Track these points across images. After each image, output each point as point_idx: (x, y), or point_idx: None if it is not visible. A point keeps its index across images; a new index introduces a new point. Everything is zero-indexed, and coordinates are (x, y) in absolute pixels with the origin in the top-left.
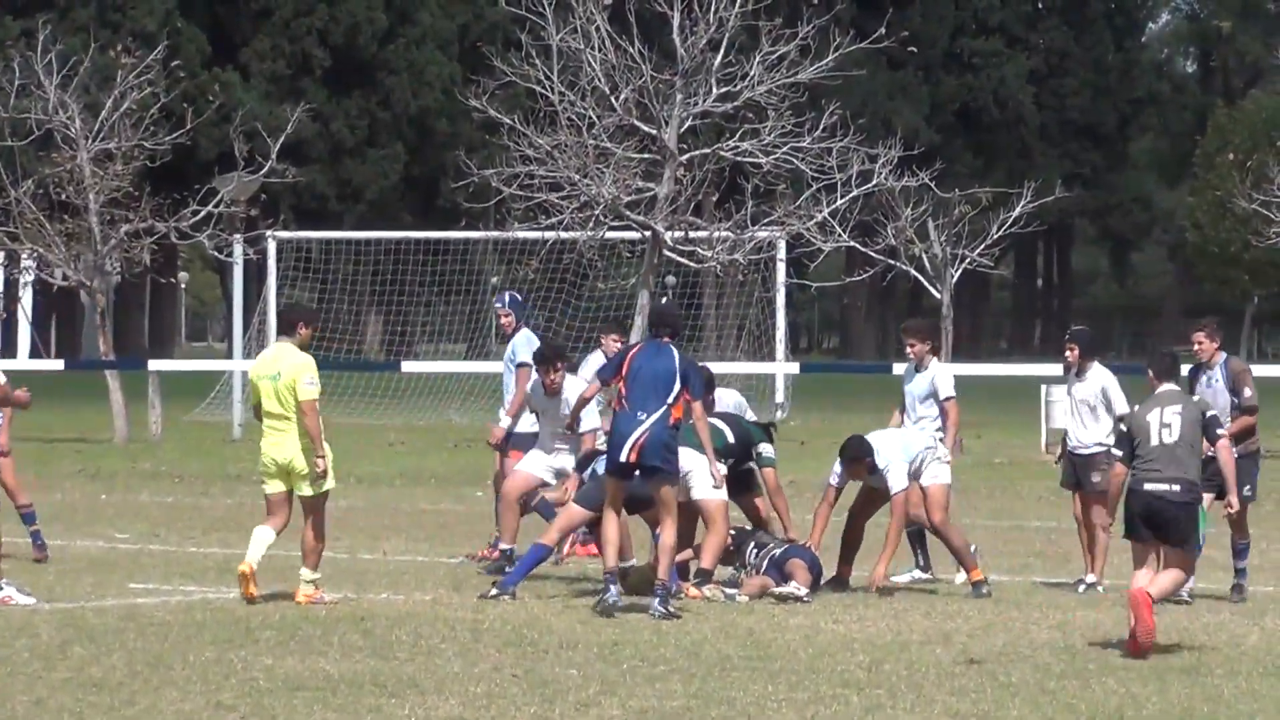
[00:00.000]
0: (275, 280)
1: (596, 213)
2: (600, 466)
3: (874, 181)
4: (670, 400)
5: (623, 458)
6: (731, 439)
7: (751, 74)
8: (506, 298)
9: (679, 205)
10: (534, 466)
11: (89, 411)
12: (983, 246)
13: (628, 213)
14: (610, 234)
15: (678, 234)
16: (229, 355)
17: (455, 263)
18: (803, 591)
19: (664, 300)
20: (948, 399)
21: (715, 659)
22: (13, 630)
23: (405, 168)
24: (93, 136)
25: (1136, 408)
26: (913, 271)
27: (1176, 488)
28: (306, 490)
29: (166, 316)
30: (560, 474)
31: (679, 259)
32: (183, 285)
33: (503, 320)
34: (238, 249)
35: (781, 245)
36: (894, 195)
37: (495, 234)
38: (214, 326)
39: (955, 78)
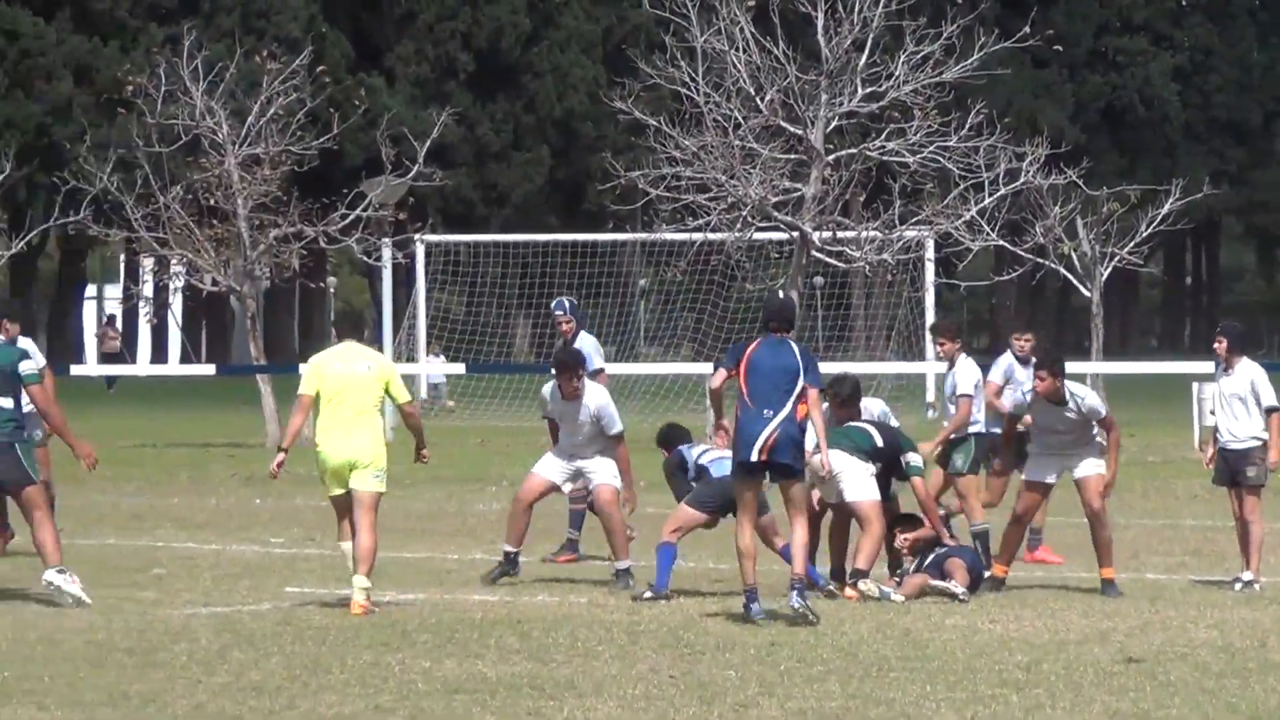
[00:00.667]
0: (423, 284)
1: (744, 213)
2: (716, 469)
3: (1021, 180)
4: (795, 396)
5: (753, 457)
6: (880, 443)
7: (896, 74)
8: (566, 304)
9: (826, 205)
10: (549, 471)
11: (241, 416)
12: (1131, 244)
13: (775, 213)
14: (758, 235)
15: (825, 234)
16: None
17: (602, 265)
18: (960, 590)
19: (780, 296)
20: (963, 395)
21: (873, 659)
22: (172, 635)
23: (551, 171)
24: (240, 142)
25: None
26: (1062, 270)
27: None
28: (374, 486)
29: (316, 321)
30: (576, 476)
31: (827, 259)
32: (331, 289)
33: (563, 326)
34: (386, 253)
35: (930, 245)
36: (1041, 194)
37: (642, 236)
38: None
39: (1100, 76)
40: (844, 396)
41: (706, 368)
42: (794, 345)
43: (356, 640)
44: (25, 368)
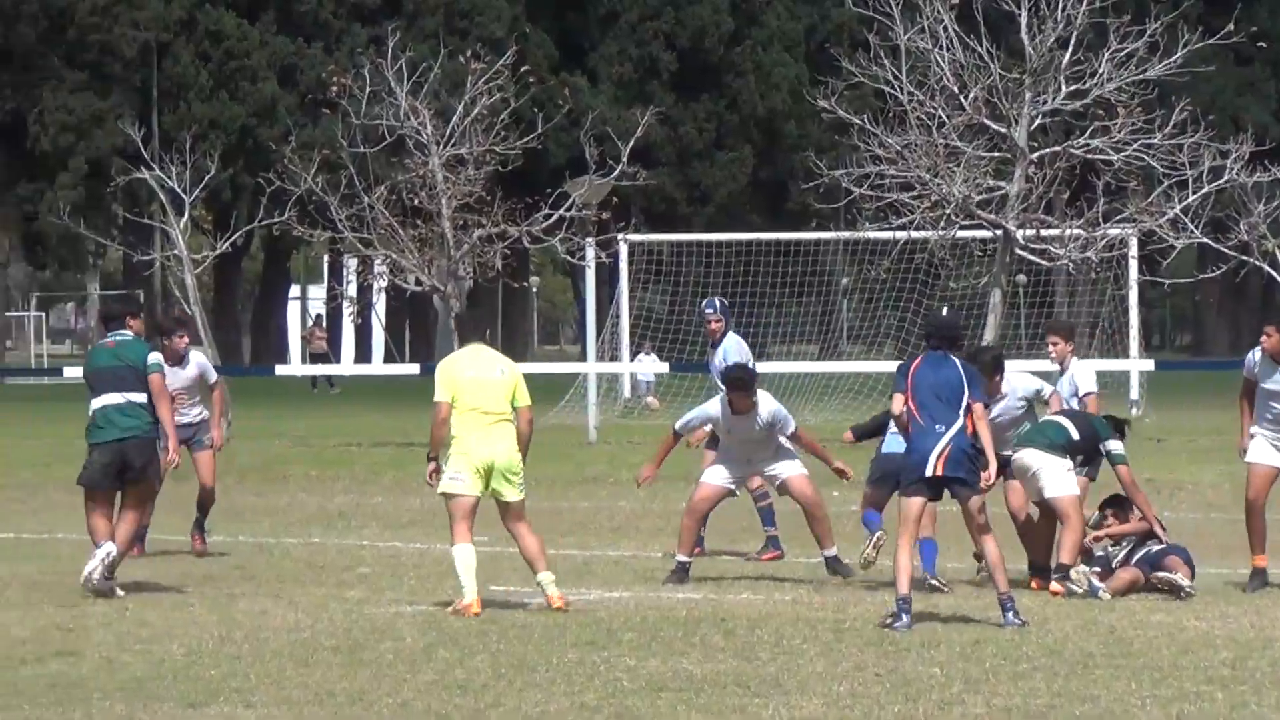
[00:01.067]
0: (626, 283)
1: (947, 212)
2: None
3: (1224, 178)
4: (963, 411)
5: (929, 472)
6: (1076, 436)
7: (1100, 71)
8: (716, 303)
9: (1030, 203)
10: (720, 478)
11: None
12: None
13: (979, 211)
14: (961, 233)
15: (1029, 232)
16: (582, 358)
17: (805, 264)
18: (1187, 583)
19: (944, 311)
20: (1087, 394)
21: (1078, 656)
22: (378, 633)
23: (754, 170)
24: (444, 142)
25: None
26: (1266, 267)
27: None
28: (518, 494)
29: (519, 320)
30: (748, 479)
31: (1031, 257)
32: (534, 289)
33: (712, 325)
34: (589, 252)
35: (1133, 242)
36: (1245, 191)
37: (846, 234)
38: (566, 330)
39: None
40: (985, 364)
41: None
42: (957, 360)
43: (561, 638)
44: (153, 359)
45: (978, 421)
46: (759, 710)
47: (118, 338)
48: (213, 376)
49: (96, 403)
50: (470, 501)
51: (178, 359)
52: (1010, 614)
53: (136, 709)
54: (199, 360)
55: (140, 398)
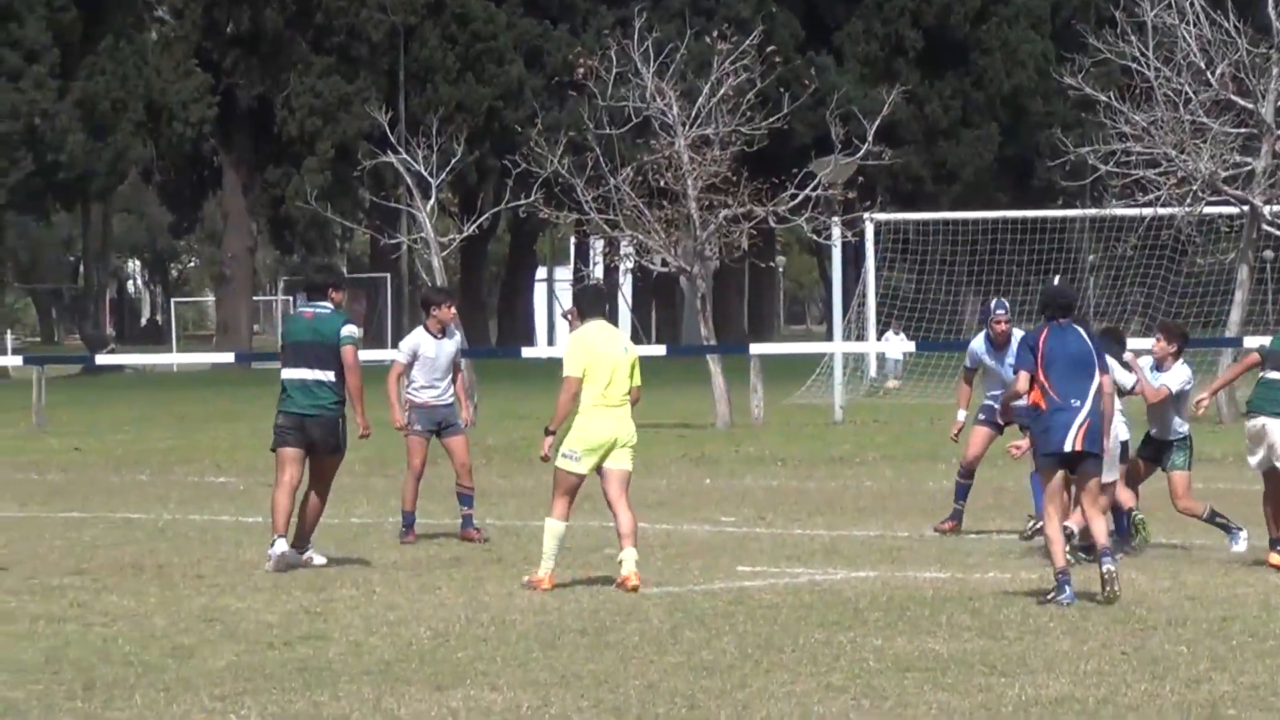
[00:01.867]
0: (873, 262)
1: (1194, 188)
2: None
3: None
4: (1096, 383)
5: (1069, 448)
6: None
7: None
8: (1006, 304)
9: (1277, 179)
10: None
11: (691, 396)
12: None
13: (1225, 188)
14: (1207, 209)
15: (1276, 208)
16: (829, 337)
17: (1051, 241)
18: None
19: (1056, 280)
20: (1162, 385)
21: None
22: (623, 615)
23: (1000, 147)
24: (690, 123)
25: None
26: None
27: None
28: (630, 464)
29: (765, 300)
30: None
31: (1278, 233)
32: (781, 269)
33: (1002, 326)
34: (836, 232)
35: None
36: None
37: (1092, 211)
38: (812, 309)
39: None
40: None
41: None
42: (1081, 330)
43: (808, 619)
44: (346, 331)
45: (1105, 395)
46: (1005, 689)
47: (317, 309)
48: (459, 359)
49: (286, 374)
50: (578, 481)
51: (442, 330)
52: (1066, 591)
53: (383, 692)
54: (458, 338)
55: (329, 375)
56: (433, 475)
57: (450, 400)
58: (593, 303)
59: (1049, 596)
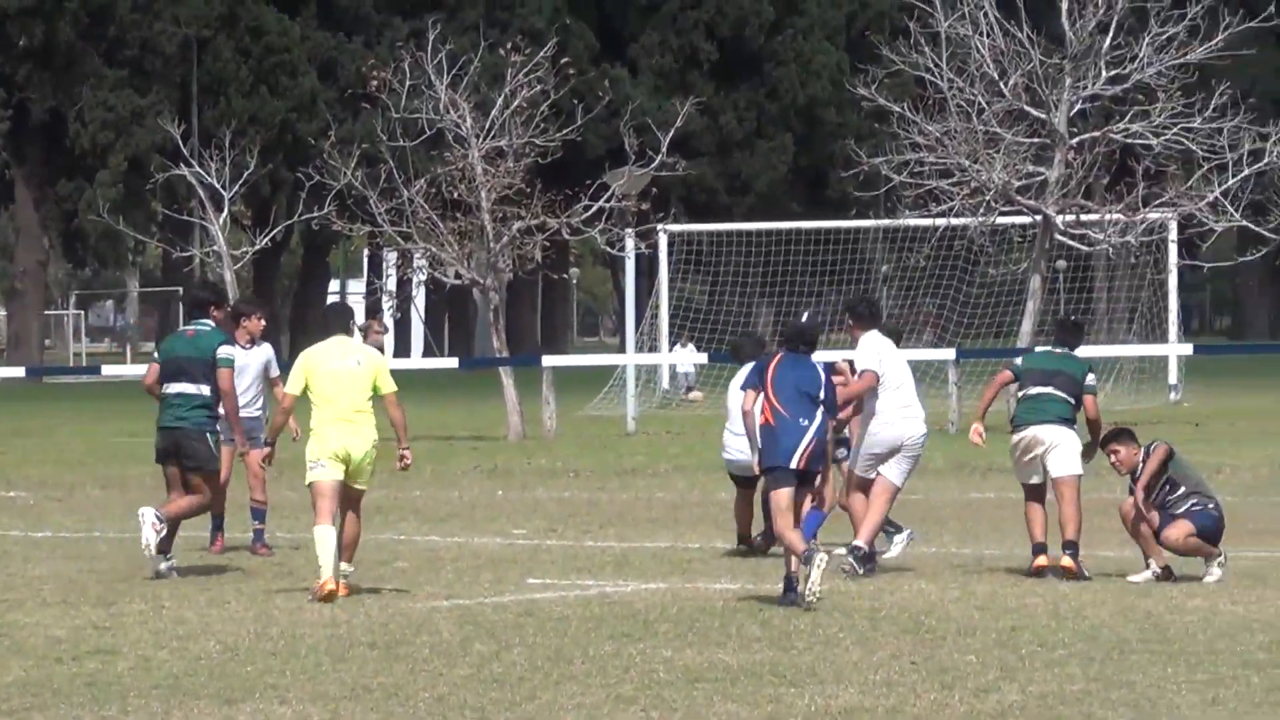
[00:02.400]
0: (666, 274)
1: (987, 198)
2: None
3: (1265, 160)
4: (821, 410)
5: (793, 464)
6: (1070, 397)
7: (1141, 56)
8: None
9: (1070, 189)
10: None
11: (484, 408)
12: None
13: (1018, 197)
14: (1001, 219)
15: (1069, 218)
16: (621, 350)
17: (844, 251)
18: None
19: (804, 317)
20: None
21: (1113, 642)
22: (413, 627)
23: (794, 158)
24: (483, 135)
25: None
26: None
27: None
28: (364, 484)
29: (559, 312)
30: None
31: (1070, 243)
32: (574, 281)
33: None
34: (629, 243)
35: (1173, 226)
36: None
37: (885, 222)
38: (605, 321)
39: None
40: (860, 315)
41: (949, 353)
42: (815, 364)
43: (598, 631)
44: (222, 352)
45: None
46: (794, 700)
47: (198, 327)
48: (275, 370)
49: (166, 388)
50: (329, 486)
51: (251, 341)
52: (794, 593)
53: (172, 707)
54: (268, 349)
55: (202, 390)
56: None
57: (258, 413)
58: (335, 317)
59: (784, 600)
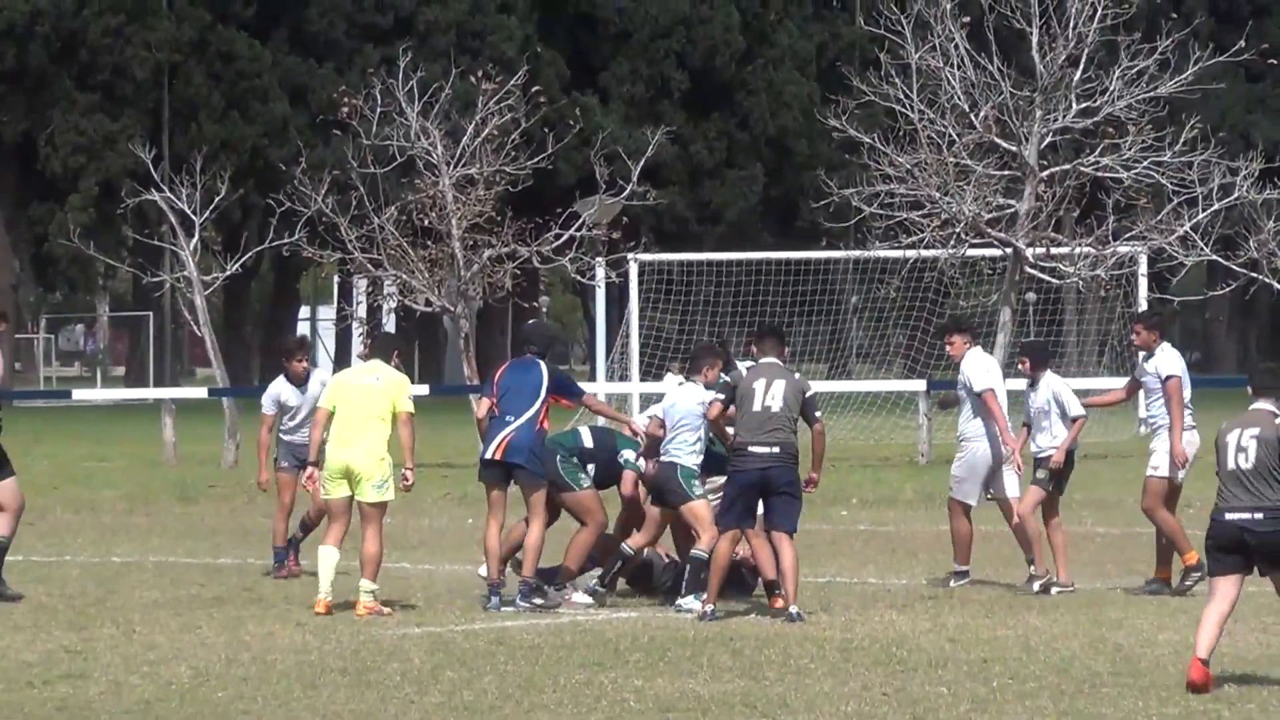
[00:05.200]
0: (637, 303)
1: (957, 230)
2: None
3: (1234, 195)
4: (536, 408)
5: (489, 455)
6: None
7: (1111, 89)
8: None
9: (1040, 222)
10: None
11: (454, 436)
12: None
13: (988, 230)
14: (971, 251)
15: (1039, 250)
16: (591, 378)
17: (815, 282)
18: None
19: (532, 322)
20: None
21: (1085, 675)
22: (384, 654)
23: (765, 189)
24: (454, 162)
25: None
26: (1275, 284)
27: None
28: (374, 497)
29: None
30: None
31: (1040, 275)
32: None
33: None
34: (600, 272)
35: (1143, 260)
36: (1255, 208)
37: (856, 253)
38: (576, 349)
39: None
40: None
41: (919, 384)
42: (541, 365)
43: (569, 659)
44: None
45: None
46: None
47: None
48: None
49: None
50: (336, 503)
51: (300, 381)
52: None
53: None
54: (320, 376)
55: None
56: (194, 514)
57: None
58: (378, 345)
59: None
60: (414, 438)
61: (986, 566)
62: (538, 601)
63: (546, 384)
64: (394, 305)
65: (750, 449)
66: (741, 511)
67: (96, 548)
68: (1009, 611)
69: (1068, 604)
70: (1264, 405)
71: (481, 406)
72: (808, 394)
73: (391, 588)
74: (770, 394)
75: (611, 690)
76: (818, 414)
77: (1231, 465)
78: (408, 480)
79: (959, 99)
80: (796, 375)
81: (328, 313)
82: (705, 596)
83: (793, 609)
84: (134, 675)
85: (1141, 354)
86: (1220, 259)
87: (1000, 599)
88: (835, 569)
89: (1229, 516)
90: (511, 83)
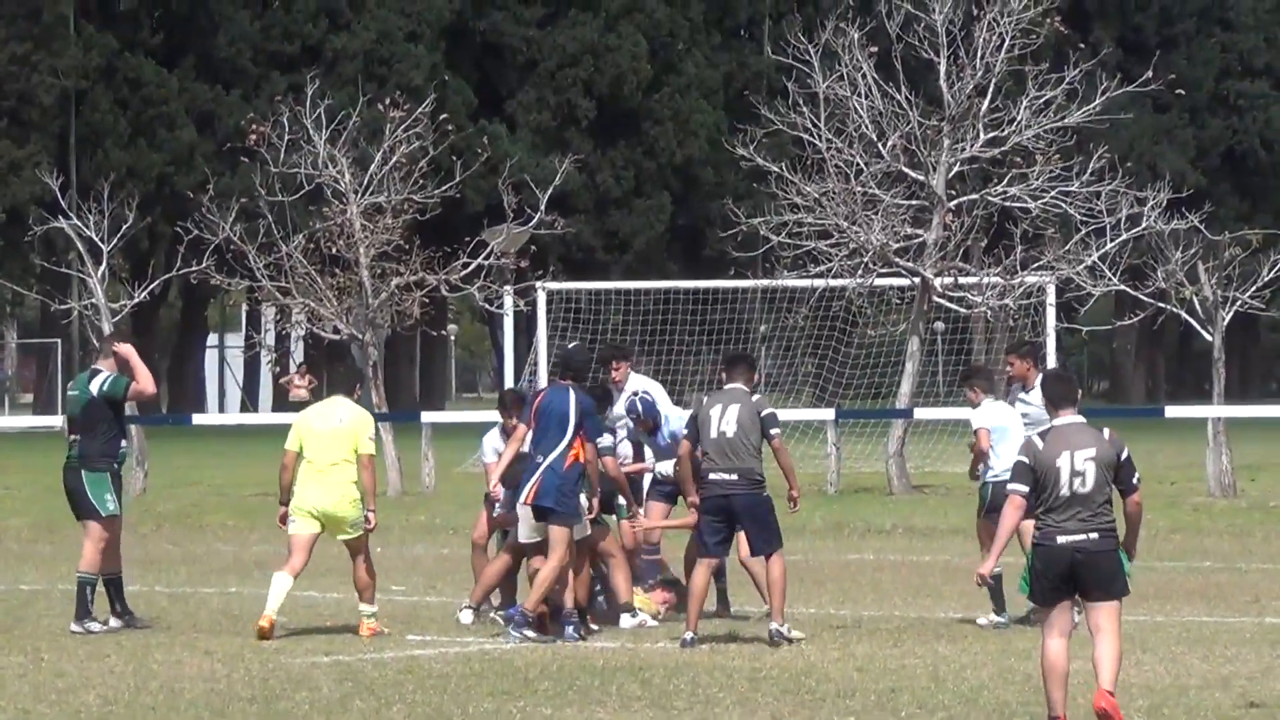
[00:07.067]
0: (545, 331)
1: (865, 259)
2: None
3: (1142, 225)
4: (567, 442)
5: (521, 500)
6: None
7: (1018, 119)
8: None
9: (948, 251)
10: None
11: None
12: (1253, 288)
13: (896, 259)
14: (879, 281)
15: (947, 280)
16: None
17: (723, 311)
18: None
19: (570, 346)
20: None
21: (993, 705)
22: (293, 683)
23: (672, 217)
24: (362, 190)
25: None
26: (1183, 314)
27: None
28: (353, 534)
29: (437, 369)
30: None
31: (948, 305)
32: (453, 337)
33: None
34: (508, 300)
35: (1051, 290)
36: (1163, 238)
37: (763, 282)
38: (484, 378)
39: (1221, 120)
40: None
41: (828, 413)
42: (571, 392)
43: (478, 688)
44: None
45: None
46: None
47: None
48: None
49: None
50: (302, 539)
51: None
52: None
53: None
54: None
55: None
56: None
57: None
58: (339, 380)
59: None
60: (374, 479)
61: (895, 596)
62: (529, 634)
63: (575, 418)
64: (302, 333)
65: (711, 476)
66: (716, 540)
67: (3, 576)
68: (917, 640)
69: (976, 633)
70: (1077, 420)
71: (516, 436)
72: (763, 413)
73: (300, 616)
74: (725, 419)
75: (520, 719)
76: (774, 431)
77: (1066, 490)
78: (370, 523)
79: (867, 128)
80: (756, 397)
81: (236, 340)
82: (686, 623)
83: (773, 625)
84: (42, 704)
85: (1015, 385)
86: (1128, 289)
87: (909, 628)
88: (744, 599)
89: (1062, 540)
90: (419, 110)
